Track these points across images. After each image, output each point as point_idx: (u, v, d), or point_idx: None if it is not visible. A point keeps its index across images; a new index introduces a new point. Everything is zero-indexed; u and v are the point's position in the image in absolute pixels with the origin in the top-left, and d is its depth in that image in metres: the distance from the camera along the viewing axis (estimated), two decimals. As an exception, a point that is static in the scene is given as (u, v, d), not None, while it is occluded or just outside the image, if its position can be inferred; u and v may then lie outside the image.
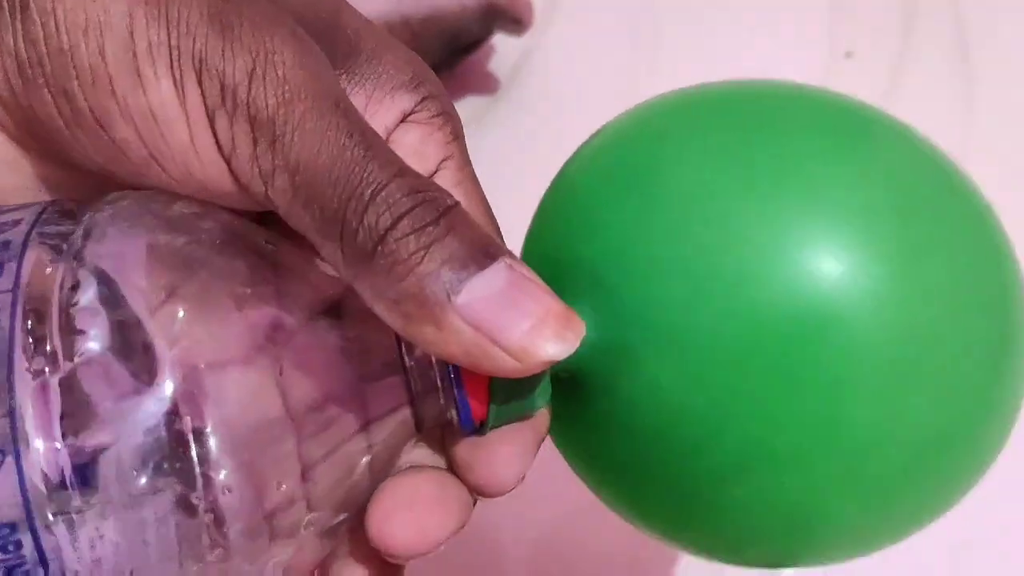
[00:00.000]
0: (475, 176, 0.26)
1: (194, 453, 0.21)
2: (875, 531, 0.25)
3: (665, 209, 0.24)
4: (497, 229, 0.26)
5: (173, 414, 0.21)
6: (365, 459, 0.24)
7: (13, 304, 0.21)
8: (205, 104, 0.22)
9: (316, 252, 0.22)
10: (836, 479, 0.23)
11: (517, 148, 0.53)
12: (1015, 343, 0.25)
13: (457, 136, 0.26)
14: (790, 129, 0.25)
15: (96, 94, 0.22)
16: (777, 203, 0.23)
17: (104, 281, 0.21)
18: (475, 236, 0.21)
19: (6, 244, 0.22)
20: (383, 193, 0.21)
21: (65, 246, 0.22)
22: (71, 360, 0.20)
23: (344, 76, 0.25)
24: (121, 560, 0.21)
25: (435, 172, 0.26)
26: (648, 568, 0.44)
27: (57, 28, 0.22)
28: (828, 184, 0.23)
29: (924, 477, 0.24)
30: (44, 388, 0.20)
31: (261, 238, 0.23)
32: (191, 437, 0.21)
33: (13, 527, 0.20)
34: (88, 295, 0.21)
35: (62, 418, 0.20)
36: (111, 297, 0.21)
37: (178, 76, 0.22)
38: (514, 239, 0.26)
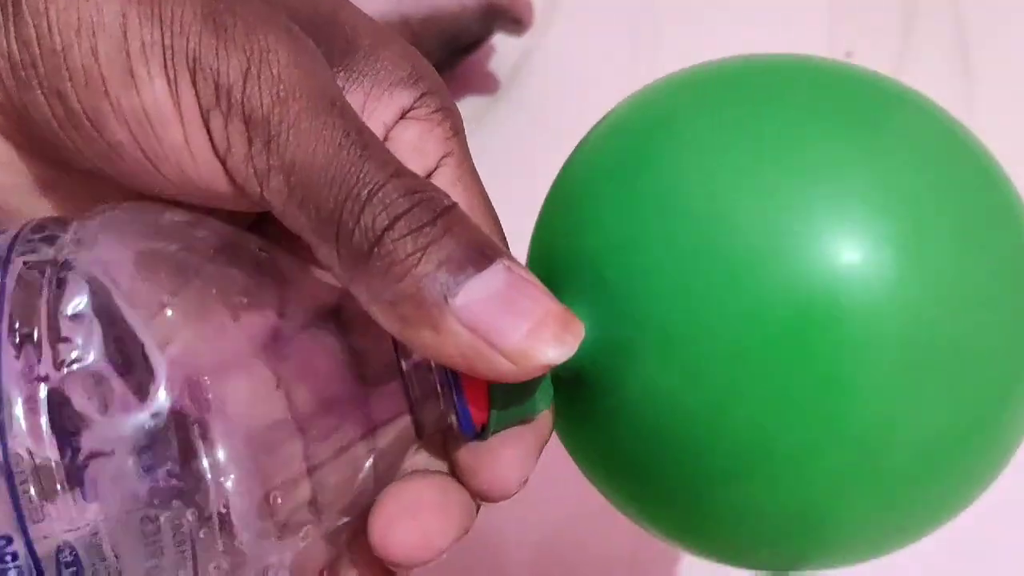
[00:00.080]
0: (476, 172, 0.26)
1: (188, 456, 0.21)
2: (885, 533, 0.25)
3: (663, 205, 0.23)
4: (498, 225, 0.26)
5: (170, 422, 0.21)
6: (368, 464, 0.23)
7: None
8: (199, 104, 0.22)
9: (311, 258, 0.22)
10: (841, 478, 0.23)
11: (517, 148, 0.53)
12: None
13: (457, 132, 0.26)
14: (793, 114, 0.24)
15: (89, 95, 0.22)
16: (779, 196, 0.22)
17: (96, 288, 0.21)
18: (473, 237, 0.21)
19: None
20: (380, 194, 0.21)
21: (52, 252, 0.21)
22: (61, 369, 0.20)
23: (342, 73, 0.24)
24: (123, 568, 0.21)
25: (435, 169, 0.25)
26: (650, 570, 0.44)
27: (50, 29, 0.22)
28: (833, 175, 0.23)
29: (934, 478, 0.24)
30: (33, 398, 0.20)
31: (254, 246, 0.23)
32: (185, 441, 0.21)
33: (8, 539, 0.20)
34: (76, 303, 0.21)
35: (53, 428, 0.20)
36: (103, 304, 0.21)
37: (172, 76, 0.22)
38: (513, 239, 0.26)
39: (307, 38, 0.23)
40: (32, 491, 0.20)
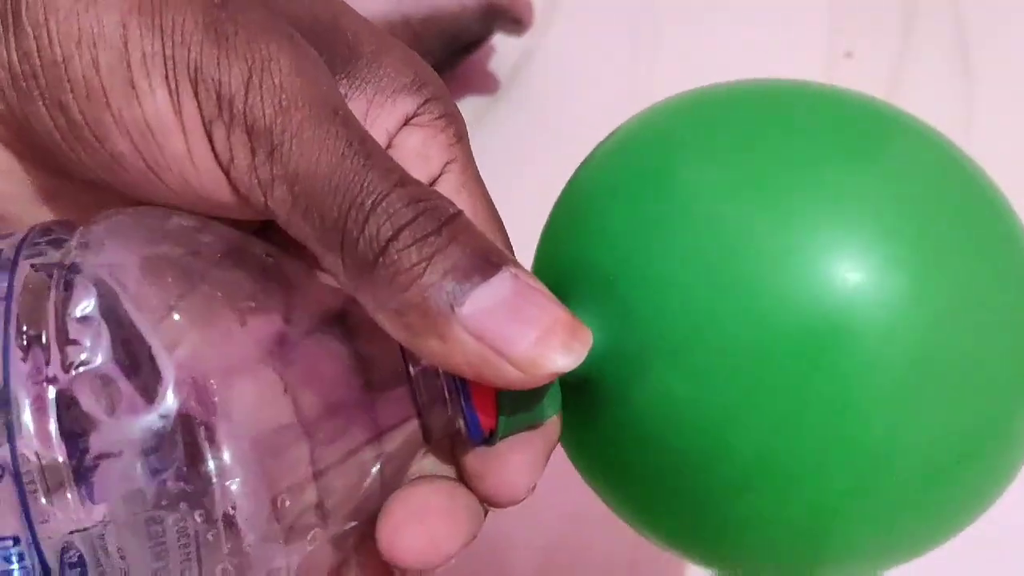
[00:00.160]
0: (480, 178, 0.26)
1: (194, 458, 0.21)
2: (888, 548, 0.25)
3: (677, 217, 0.23)
4: (503, 230, 0.26)
5: (177, 425, 0.20)
6: (375, 468, 0.23)
7: (7, 313, 0.20)
8: (201, 115, 0.21)
9: (317, 263, 0.22)
10: (847, 494, 0.23)
11: (517, 148, 0.53)
12: None
13: (461, 138, 0.26)
14: (805, 134, 0.24)
15: (91, 106, 0.22)
16: (791, 213, 0.23)
17: (103, 291, 0.21)
18: (478, 245, 0.21)
19: None
20: (384, 203, 0.21)
21: (59, 256, 0.21)
22: (69, 372, 0.20)
23: (345, 81, 0.24)
24: (129, 569, 0.21)
25: (439, 175, 0.25)
26: (652, 573, 0.44)
27: (50, 40, 0.21)
28: (844, 193, 0.23)
29: (938, 495, 0.24)
30: (42, 399, 0.20)
31: (260, 250, 0.23)
32: (193, 443, 0.21)
33: (15, 539, 0.20)
34: (83, 305, 0.21)
35: (61, 430, 0.20)
36: (111, 307, 0.21)
37: (173, 87, 0.21)
38: (514, 239, 0.26)
39: (309, 46, 0.23)
40: (40, 492, 0.20)
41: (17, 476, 0.20)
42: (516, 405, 0.23)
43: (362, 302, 0.21)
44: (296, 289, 0.23)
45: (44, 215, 0.24)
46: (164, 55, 0.21)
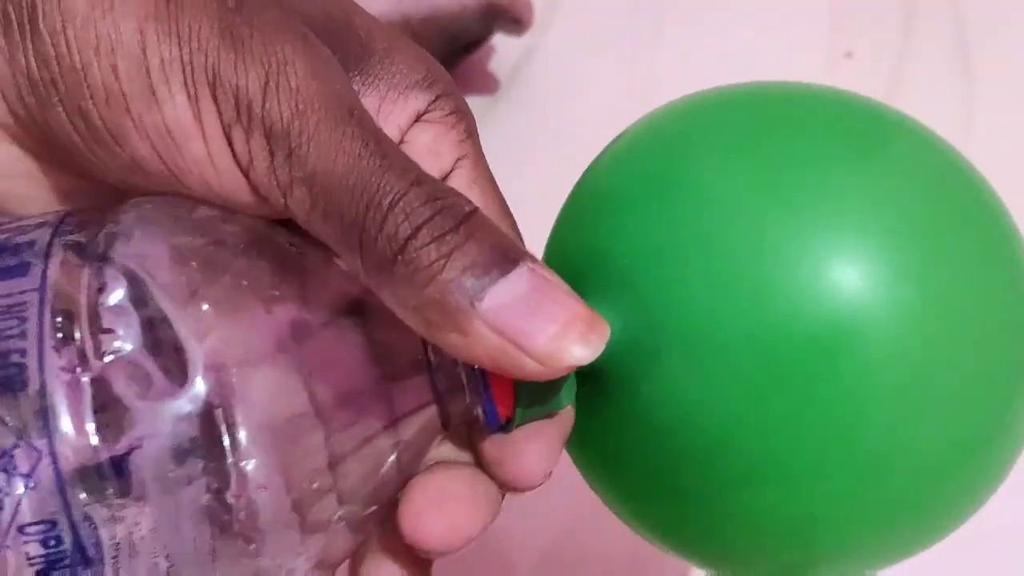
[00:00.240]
0: (490, 173, 0.26)
1: (226, 445, 0.21)
2: (881, 548, 0.25)
3: (693, 215, 0.24)
4: (514, 225, 0.26)
5: (206, 409, 0.21)
6: (393, 454, 0.24)
7: (41, 303, 0.21)
8: (221, 119, 0.22)
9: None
10: (847, 494, 0.23)
11: (517, 148, 0.53)
12: None
13: (471, 134, 0.26)
14: (820, 136, 0.25)
15: (111, 112, 0.22)
16: (803, 216, 0.23)
17: (133, 281, 0.21)
18: (495, 241, 0.21)
19: (31, 243, 0.22)
20: (401, 202, 0.21)
21: (90, 247, 0.22)
22: (102, 359, 0.21)
23: (357, 78, 0.25)
24: (158, 552, 0.21)
25: (451, 171, 0.25)
26: (653, 572, 0.44)
27: (68, 47, 0.22)
28: (855, 197, 0.23)
29: (934, 496, 0.24)
30: (76, 387, 0.20)
31: (283, 240, 0.23)
32: (223, 430, 0.21)
33: (53, 524, 0.20)
34: (116, 294, 0.21)
35: (95, 416, 0.20)
36: (140, 296, 0.21)
37: (192, 92, 0.22)
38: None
39: (323, 46, 0.23)
40: (76, 477, 0.20)
41: (54, 461, 0.20)
42: (533, 395, 0.23)
43: (383, 298, 0.22)
44: (317, 278, 0.23)
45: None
46: (182, 61, 0.22)
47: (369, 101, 0.25)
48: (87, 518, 0.20)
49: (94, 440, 0.20)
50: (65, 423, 0.20)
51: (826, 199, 0.23)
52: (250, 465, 0.21)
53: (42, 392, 0.20)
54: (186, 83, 0.22)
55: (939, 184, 0.25)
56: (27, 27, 0.22)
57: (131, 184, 0.23)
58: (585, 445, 0.27)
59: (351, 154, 0.21)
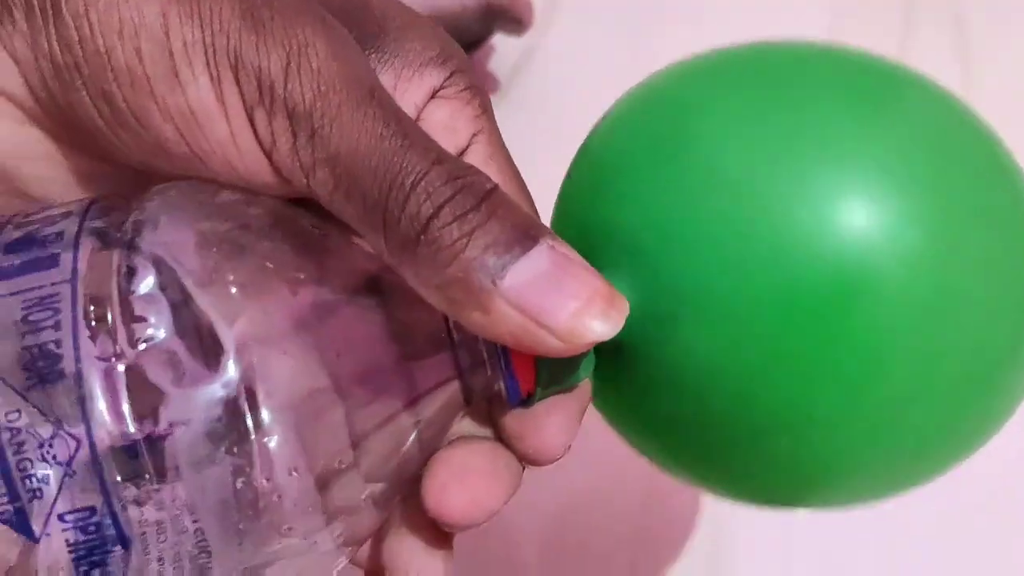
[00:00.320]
0: (505, 148, 0.26)
1: (249, 425, 0.21)
2: (902, 480, 0.26)
3: (701, 177, 0.24)
4: (530, 198, 0.26)
5: (239, 393, 0.21)
6: (415, 431, 0.24)
7: (73, 293, 0.21)
8: (243, 100, 0.22)
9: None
10: (868, 435, 0.24)
11: (517, 148, 0.52)
12: None
13: (486, 109, 0.26)
14: (824, 89, 0.25)
15: (135, 95, 0.22)
16: (811, 169, 0.23)
17: (162, 268, 0.21)
18: (516, 219, 0.22)
19: (59, 235, 0.22)
20: (423, 182, 0.21)
21: (118, 235, 0.22)
22: (135, 347, 0.21)
23: (374, 56, 0.25)
24: (190, 532, 0.21)
25: (467, 147, 0.26)
26: (655, 548, 0.44)
27: (92, 31, 0.22)
28: (862, 148, 0.24)
29: (952, 431, 0.25)
30: (112, 375, 0.21)
31: (306, 221, 0.24)
32: (246, 408, 0.21)
33: (92, 510, 0.20)
34: (147, 282, 0.21)
35: (131, 403, 0.21)
36: (169, 283, 0.21)
37: (215, 74, 0.22)
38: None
39: (341, 26, 0.23)
40: (114, 464, 0.21)
41: (93, 449, 0.20)
42: (554, 370, 0.24)
43: (405, 277, 0.22)
44: (339, 258, 0.24)
45: (83, 196, 0.25)
46: (204, 43, 0.22)
47: (385, 79, 0.25)
48: (124, 504, 0.21)
49: (131, 427, 0.21)
50: (102, 411, 0.20)
51: (832, 151, 0.24)
52: (273, 443, 0.21)
53: (78, 381, 0.20)
54: (209, 65, 0.22)
55: (944, 130, 0.25)
56: (49, 12, 0.22)
57: (153, 167, 0.23)
58: (613, 411, 0.28)
59: (373, 135, 0.22)
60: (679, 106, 0.26)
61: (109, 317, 0.21)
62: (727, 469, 0.26)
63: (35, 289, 0.21)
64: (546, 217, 0.28)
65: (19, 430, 0.20)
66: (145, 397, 0.21)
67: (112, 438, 0.20)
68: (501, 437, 0.26)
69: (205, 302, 0.21)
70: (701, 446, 0.26)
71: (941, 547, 0.44)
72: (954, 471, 0.26)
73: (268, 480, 0.21)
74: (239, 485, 0.21)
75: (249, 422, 0.21)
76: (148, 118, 0.22)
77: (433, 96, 0.26)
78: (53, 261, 0.21)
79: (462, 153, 0.26)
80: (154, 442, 0.21)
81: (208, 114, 0.22)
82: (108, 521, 0.21)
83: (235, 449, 0.21)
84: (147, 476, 0.21)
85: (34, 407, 0.20)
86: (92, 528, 0.20)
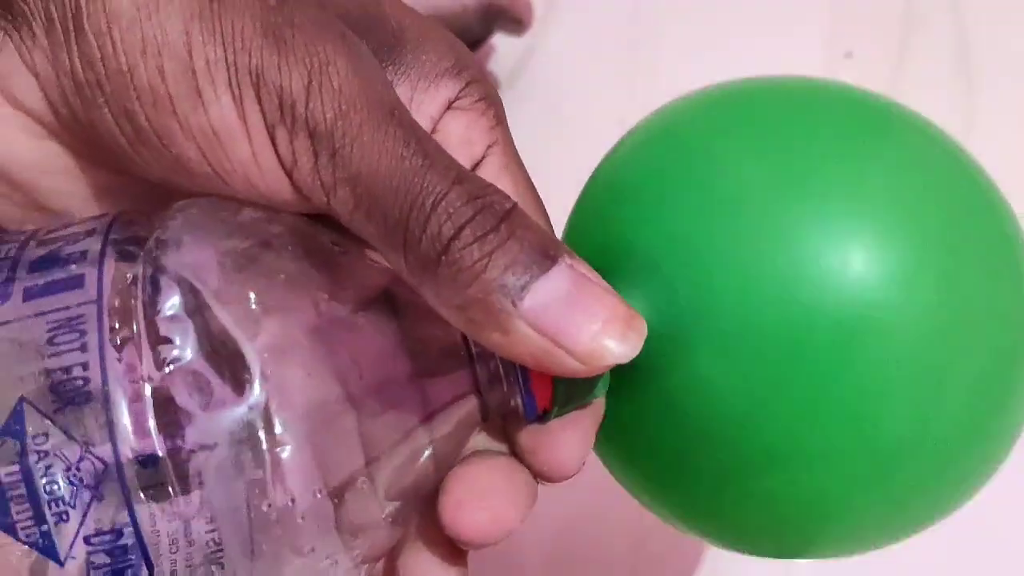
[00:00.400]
0: (520, 159, 0.27)
1: (277, 445, 0.21)
2: (897, 527, 0.26)
3: (720, 204, 0.24)
4: (543, 209, 0.26)
5: (266, 414, 0.21)
6: (431, 447, 0.24)
7: (99, 315, 0.21)
8: (265, 119, 0.22)
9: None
10: (864, 479, 0.24)
11: (517, 147, 0.53)
12: None
13: (500, 120, 0.26)
14: (844, 128, 0.25)
15: (157, 113, 0.22)
16: (827, 208, 0.24)
17: (186, 289, 0.21)
18: (535, 238, 0.22)
19: (83, 254, 0.22)
20: (444, 202, 0.21)
21: (141, 255, 0.22)
22: (162, 369, 0.21)
23: (391, 68, 0.25)
24: (214, 551, 0.21)
25: (482, 158, 0.26)
26: (653, 567, 0.44)
27: (114, 49, 0.22)
28: (877, 191, 0.24)
29: (948, 477, 0.25)
30: (139, 397, 0.21)
31: (326, 238, 0.24)
32: (274, 430, 0.21)
33: (119, 533, 0.20)
34: (172, 303, 0.21)
35: (158, 425, 0.21)
36: (194, 304, 0.21)
37: (237, 93, 0.22)
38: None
39: (361, 42, 0.23)
40: (140, 487, 0.20)
41: (120, 472, 0.20)
42: (571, 388, 0.24)
43: (425, 296, 0.22)
44: (359, 275, 0.24)
45: (101, 210, 0.25)
46: (227, 62, 0.22)
47: (402, 91, 0.25)
48: (152, 525, 0.21)
49: (159, 450, 0.21)
50: (129, 434, 0.20)
51: (847, 189, 0.24)
52: (299, 464, 0.21)
53: (106, 404, 0.20)
54: (231, 84, 0.22)
55: (948, 178, 0.25)
56: (71, 28, 0.22)
57: (173, 183, 0.23)
58: (610, 431, 0.27)
59: (394, 155, 0.22)
60: (696, 134, 0.26)
61: (135, 339, 0.21)
62: (721, 507, 0.26)
63: (60, 310, 0.21)
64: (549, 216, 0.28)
65: (46, 453, 0.20)
66: (172, 419, 0.21)
67: (139, 460, 0.20)
68: (515, 452, 0.25)
69: (229, 322, 0.21)
70: (697, 478, 0.26)
71: (941, 546, 0.44)
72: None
73: (293, 501, 0.21)
74: (265, 508, 0.21)
75: (277, 444, 0.21)
76: (170, 137, 0.22)
77: (449, 107, 0.26)
78: (78, 282, 0.21)
79: (478, 164, 0.26)
80: (181, 464, 0.21)
81: (230, 133, 0.22)
82: (134, 543, 0.21)
83: (262, 472, 0.21)
84: (173, 497, 0.21)
85: (61, 430, 0.20)
86: (118, 551, 0.20)
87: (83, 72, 0.22)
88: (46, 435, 0.20)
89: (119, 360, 0.21)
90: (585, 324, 0.21)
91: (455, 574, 0.25)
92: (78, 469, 0.20)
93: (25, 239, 0.23)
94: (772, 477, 0.24)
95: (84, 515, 0.20)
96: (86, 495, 0.20)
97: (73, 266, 0.22)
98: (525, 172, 0.26)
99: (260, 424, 0.21)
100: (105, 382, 0.20)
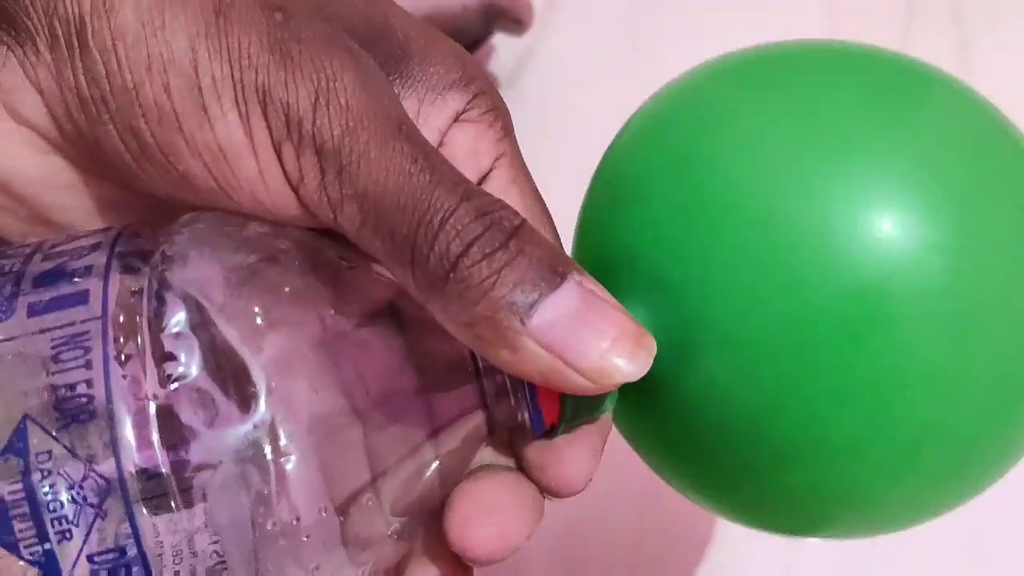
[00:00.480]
0: (527, 171, 0.26)
1: (283, 463, 0.21)
2: (916, 514, 0.26)
3: (721, 207, 0.24)
4: (551, 222, 0.26)
5: (272, 431, 0.21)
6: (437, 462, 0.24)
7: (104, 331, 0.21)
8: (271, 136, 0.22)
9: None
10: (885, 469, 0.24)
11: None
12: None
13: (508, 132, 0.26)
14: (842, 105, 0.24)
15: (163, 131, 0.22)
16: (830, 199, 0.23)
17: (191, 305, 0.21)
18: (544, 255, 0.21)
19: (88, 268, 0.22)
20: (452, 219, 0.21)
21: (146, 271, 0.22)
22: (166, 386, 0.21)
23: (397, 81, 0.25)
24: (219, 565, 0.21)
25: (490, 171, 0.26)
26: (653, 569, 0.44)
27: (119, 66, 0.22)
28: (885, 179, 0.23)
29: (970, 465, 0.25)
30: (143, 415, 0.21)
31: (333, 253, 0.24)
32: (280, 448, 0.21)
33: (122, 552, 0.20)
34: (177, 320, 0.21)
35: (163, 443, 0.21)
36: (199, 320, 0.21)
37: (243, 110, 0.22)
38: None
39: (368, 56, 0.23)
40: (144, 504, 0.20)
41: (123, 489, 0.20)
42: (579, 404, 0.24)
43: (432, 313, 0.22)
44: (365, 291, 0.24)
45: (106, 223, 0.25)
46: (233, 78, 0.22)
47: (409, 104, 0.25)
48: (156, 543, 0.21)
49: (163, 468, 0.20)
50: (133, 452, 0.20)
51: (855, 180, 0.23)
52: (306, 482, 0.21)
53: (110, 422, 0.20)
54: (237, 101, 0.22)
55: (977, 148, 0.24)
56: (75, 44, 0.22)
57: (178, 199, 0.23)
58: (636, 436, 0.27)
59: (401, 171, 0.21)
60: (691, 125, 0.25)
61: (140, 355, 0.21)
62: (745, 497, 0.26)
63: (65, 327, 0.21)
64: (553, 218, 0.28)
65: (49, 471, 0.20)
66: (176, 437, 0.21)
67: (143, 478, 0.20)
68: (522, 467, 0.25)
69: (234, 337, 0.21)
70: (719, 474, 0.26)
71: (941, 547, 0.44)
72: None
73: (298, 520, 0.21)
74: (270, 526, 0.21)
75: (282, 460, 0.21)
76: (176, 154, 0.22)
77: (456, 119, 0.25)
78: (83, 297, 0.21)
79: (485, 177, 0.26)
80: (185, 482, 0.21)
81: (236, 150, 0.22)
82: (136, 561, 0.20)
83: (267, 490, 0.21)
84: (177, 514, 0.21)
85: (65, 448, 0.20)
86: (122, 570, 0.20)
87: (88, 89, 0.22)
88: (49, 453, 0.20)
89: (124, 377, 0.21)
90: (594, 342, 0.21)
91: None
92: (82, 487, 0.20)
93: (30, 252, 0.23)
94: (793, 472, 0.24)
95: (87, 533, 0.20)
96: (90, 513, 0.20)
97: (78, 280, 0.22)
98: (533, 184, 0.26)
99: (265, 441, 0.21)
100: (109, 400, 0.20)
